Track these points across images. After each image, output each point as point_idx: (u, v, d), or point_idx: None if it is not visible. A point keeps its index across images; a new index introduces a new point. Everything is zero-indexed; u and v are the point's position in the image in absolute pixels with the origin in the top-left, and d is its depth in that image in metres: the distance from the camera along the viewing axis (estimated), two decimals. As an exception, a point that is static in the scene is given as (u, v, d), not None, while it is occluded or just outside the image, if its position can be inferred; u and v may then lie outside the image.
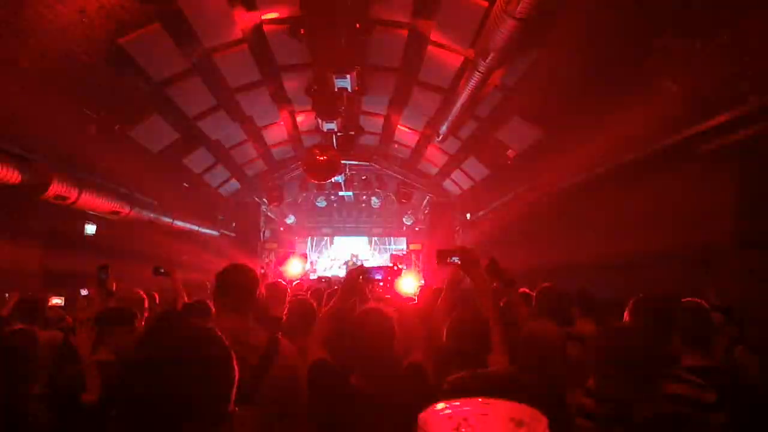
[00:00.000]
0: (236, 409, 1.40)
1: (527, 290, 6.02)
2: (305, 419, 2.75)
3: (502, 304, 3.87)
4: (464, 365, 2.52)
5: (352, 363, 2.86)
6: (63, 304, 7.29)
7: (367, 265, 3.55)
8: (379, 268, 3.41)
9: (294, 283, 8.89)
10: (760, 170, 6.40)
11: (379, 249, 26.84)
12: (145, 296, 5.37)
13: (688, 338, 3.32)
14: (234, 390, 1.41)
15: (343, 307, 3.22)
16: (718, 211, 7.13)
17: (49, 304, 6.94)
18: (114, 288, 5.43)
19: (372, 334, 2.81)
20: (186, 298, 5.98)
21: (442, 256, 3.73)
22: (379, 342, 2.81)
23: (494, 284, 3.86)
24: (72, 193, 9.06)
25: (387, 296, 3.40)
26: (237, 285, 3.15)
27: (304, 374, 2.77)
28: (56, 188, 8.57)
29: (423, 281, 16.68)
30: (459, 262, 3.65)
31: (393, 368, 2.84)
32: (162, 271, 6.27)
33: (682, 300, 3.67)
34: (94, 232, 11.47)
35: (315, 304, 4.84)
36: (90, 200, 9.72)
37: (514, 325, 3.61)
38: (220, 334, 1.45)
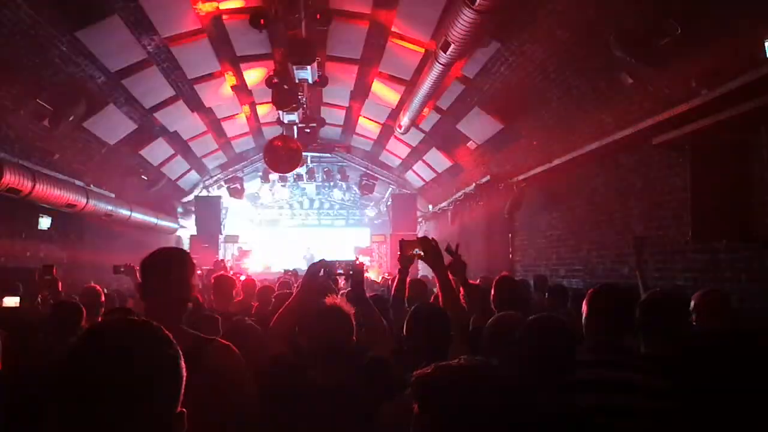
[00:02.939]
0: (185, 409, 1.37)
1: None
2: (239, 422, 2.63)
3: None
4: (424, 357, 2.52)
5: (312, 358, 2.86)
6: (18, 304, 6.88)
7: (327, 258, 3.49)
8: (341, 262, 3.41)
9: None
10: (710, 162, 6.56)
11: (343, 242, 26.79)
12: (101, 291, 5.28)
13: (646, 327, 3.36)
14: (182, 389, 1.38)
15: (304, 302, 3.20)
16: (673, 202, 7.29)
17: (2, 305, 6.53)
18: (60, 288, 5.31)
19: (330, 329, 2.81)
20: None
21: (405, 246, 3.73)
22: (338, 337, 2.82)
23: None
24: (25, 186, 8.84)
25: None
26: (163, 276, 2.61)
27: (242, 375, 2.63)
28: (8, 180, 8.37)
29: (387, 274, 16.75)
30: (421, 253, 3.66)
31: (353, 362, 2.85)
32: (122, 269, 6.16)
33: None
34: (49, 226, 11.19)
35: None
36: (44, 193, 9.51)
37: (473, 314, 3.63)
38: (167, 333, 1.41)
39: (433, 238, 3.68)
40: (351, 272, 3.34)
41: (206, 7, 9.36)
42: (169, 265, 2.63)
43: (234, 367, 2.56)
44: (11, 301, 6.70)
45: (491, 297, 4.76)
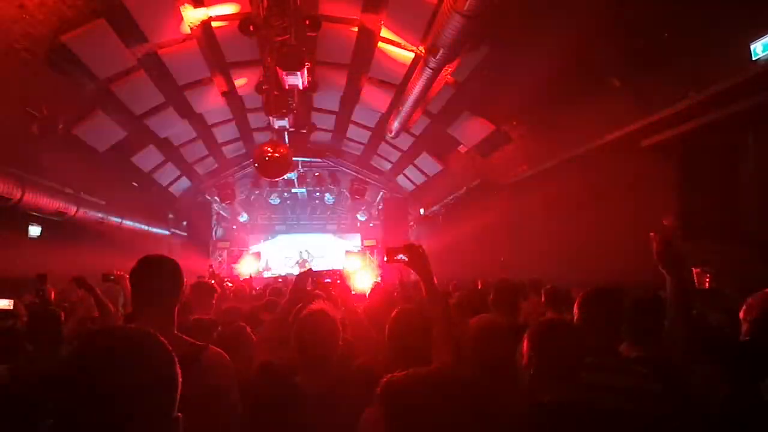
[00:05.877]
0: (180, 414, 1.38)
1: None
2: None
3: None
4: (408, 363, 2.51)
5: (298, 365, 2.85)
6: (12, 307, 6.93)
7: (318, 263, 3.53)
8: (328, 271, 3.43)
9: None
10: (698, 163, 6.60)
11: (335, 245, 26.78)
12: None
13: (636, 330, 3.36)
14: (177, 394, 1.38)
15: (291, 311, 3.20)
16: (663, 204, 7.33)
17: None
18: (52, 297, 5.26)
19: (316, 335, 2.81)
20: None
21: (391, 253, 3.72)
22: (324, 343, 2.81)
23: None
24: (15, 194, 8.79)
25: (334, 294, 3.41)
26: (154, 283, 2.58)
27: (232, 382, 2.63)
28: (-3, 188, 8.32)
29: (379, 279, 16.74)
30: (406, 259, 3.64)
31: (339, 369, 2.84)
32: (112, 278, 6.11)
33: (630, 291, 3.72)
34: (39, 234, 11.12)
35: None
36: (34, 201, 9.45)
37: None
38: (161, 338, 1.42)
39: (418, 245, 3.67)
40: (338, 281, 3.36)
41: (196, 14, 9.35)
42: (159, 272, 2.62)
43: (226, 374, 2.57)
44: (3, 303, 6.74)
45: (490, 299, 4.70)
